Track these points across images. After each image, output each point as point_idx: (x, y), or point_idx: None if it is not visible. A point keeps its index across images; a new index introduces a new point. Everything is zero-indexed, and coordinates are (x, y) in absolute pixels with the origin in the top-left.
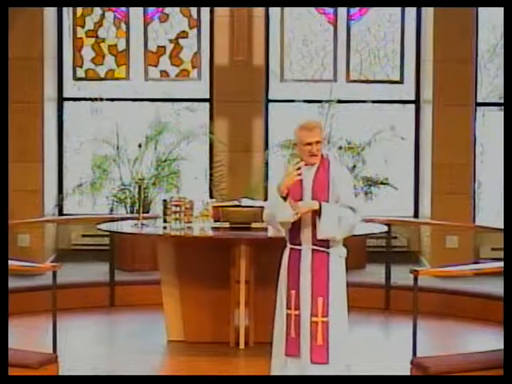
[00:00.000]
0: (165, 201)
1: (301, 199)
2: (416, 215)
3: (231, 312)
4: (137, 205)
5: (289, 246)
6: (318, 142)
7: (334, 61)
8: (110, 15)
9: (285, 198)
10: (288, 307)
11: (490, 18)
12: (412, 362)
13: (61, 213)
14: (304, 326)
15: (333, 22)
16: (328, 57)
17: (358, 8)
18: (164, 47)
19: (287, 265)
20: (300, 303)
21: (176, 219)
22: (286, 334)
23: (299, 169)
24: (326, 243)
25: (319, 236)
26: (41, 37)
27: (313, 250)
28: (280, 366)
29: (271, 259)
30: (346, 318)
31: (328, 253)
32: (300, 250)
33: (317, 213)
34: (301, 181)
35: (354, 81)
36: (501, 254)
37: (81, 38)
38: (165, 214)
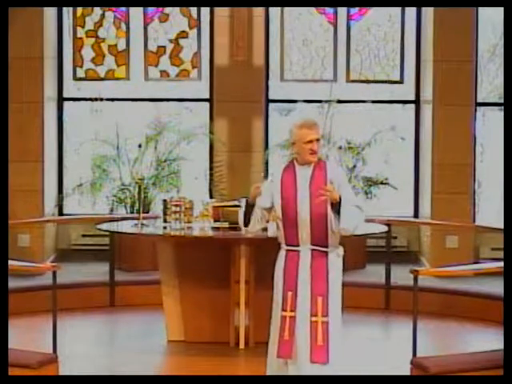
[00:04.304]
0: (165, 201)
1: (295, 198)
2: (416, 215)
3: (231, 312)
4: (137, 205)
5: (285, 247)
6: (317, 140)
7: (334, 61)
8: (110, 15)
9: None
10: (283, 309)
11: (490, 18)
12: (412, 362)
13: (61, 213)
14: (301, 327)
15: (333, 22)
16: (328, 57)
17: (357, 8)
18: (164, 47)
19: (283, 266)
20: (297, 304)
21: (176, 219)
22: (279, 336)
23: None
24: (324, 243)
25: (336, 228)
26: (41, 37)
27: (312, 250)
28: (276, 366)
29: (271, 259)
30: (341, 317)
31: (327, 252)
32: (298, 251)
33: (332, 206)
34: (294, 180)
35: (354, 81)
36: (501, 254)
37: (81, 38)
38: (165, 213)
